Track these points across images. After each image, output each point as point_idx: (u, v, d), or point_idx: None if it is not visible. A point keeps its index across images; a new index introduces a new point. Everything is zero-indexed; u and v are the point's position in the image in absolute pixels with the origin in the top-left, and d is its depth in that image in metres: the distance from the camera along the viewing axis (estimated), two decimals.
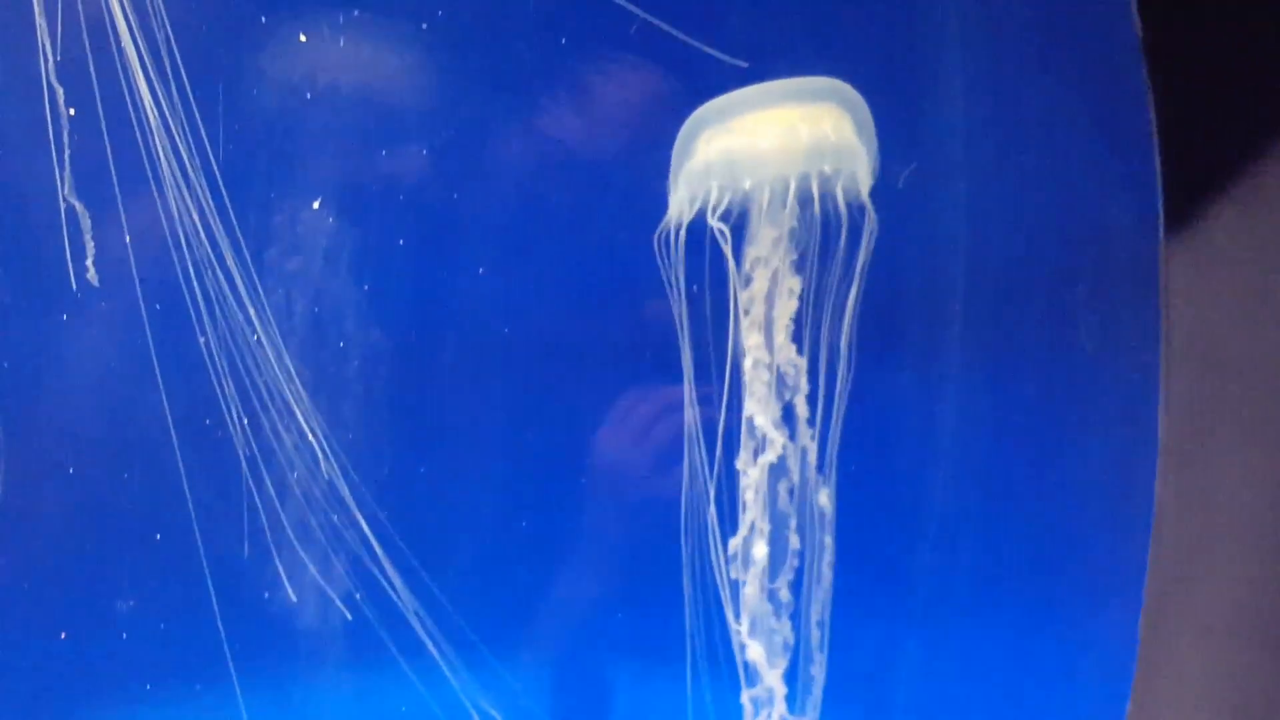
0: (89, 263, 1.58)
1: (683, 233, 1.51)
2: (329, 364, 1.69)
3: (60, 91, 1.53)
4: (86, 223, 1.58)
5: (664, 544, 1.60)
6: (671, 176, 1.53)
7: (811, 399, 1.53)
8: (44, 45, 1.53)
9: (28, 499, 1.64)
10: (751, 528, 1.54)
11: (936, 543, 1.76)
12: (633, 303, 1.70)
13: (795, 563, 1.56)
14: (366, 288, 1.70)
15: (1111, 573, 1.73)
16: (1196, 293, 1.62)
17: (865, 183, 1.49)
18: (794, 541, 1.56)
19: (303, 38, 1.60)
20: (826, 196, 1.49)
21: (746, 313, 1.52)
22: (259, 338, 1.63)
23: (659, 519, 1.63)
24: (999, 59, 1.69)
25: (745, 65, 1.47)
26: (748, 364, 1.53)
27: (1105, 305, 1.71)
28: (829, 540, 1.57)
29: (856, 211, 1.49)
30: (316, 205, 1.63)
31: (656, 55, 1.57)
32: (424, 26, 1.60)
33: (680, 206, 1.51)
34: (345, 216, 1.65)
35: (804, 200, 1.48)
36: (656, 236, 1.52)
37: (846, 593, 1.58)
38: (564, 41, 1.62)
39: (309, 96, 1.63)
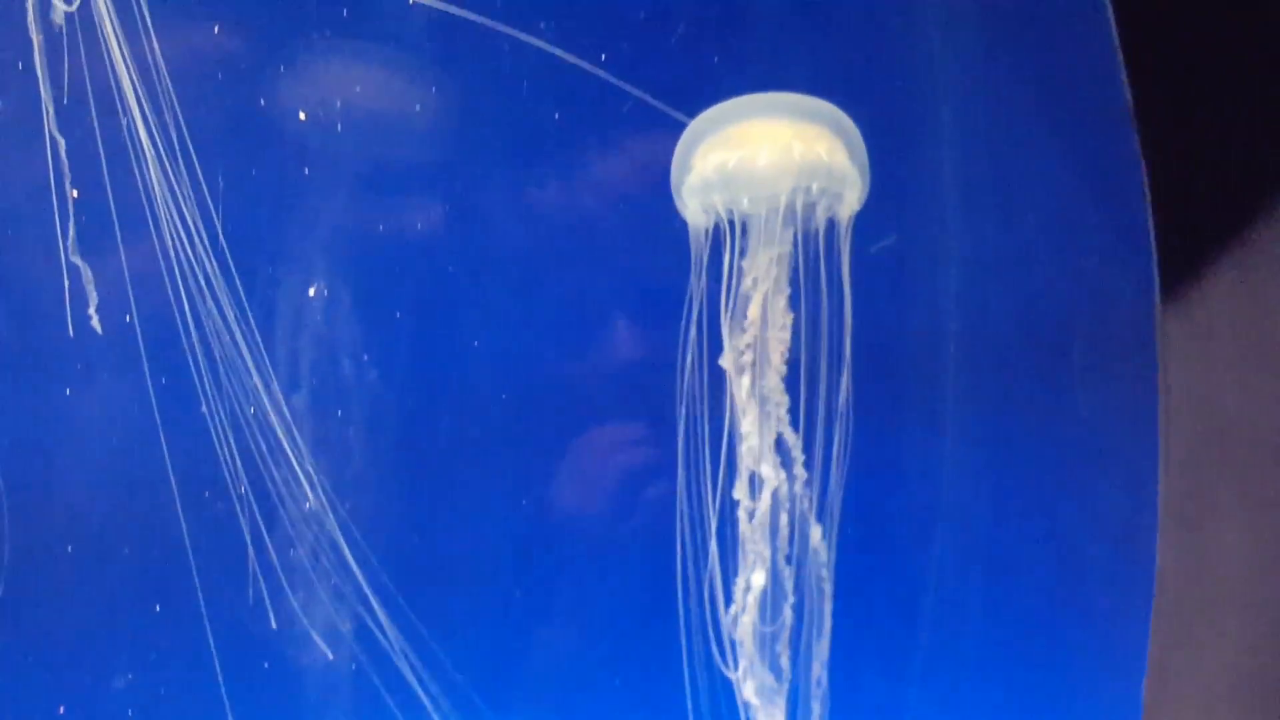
0: (91, 310, 1.59)
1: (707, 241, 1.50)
2: (330, 431, 1.70)
3: (72, 191, 1.54)
4: (89, 276, 1.59)
5: (661, 600, 1.61)
6: (674, 190, 1.53)
7: (809, 461, 1.53)
8: (49, 118, 1.54)
9: (31, 574, 1.65)
10: (747, 588, 1.54)
11: (937, 604, 1.76)
12: (627, 369, 1.71)
13: (793, 618, 1.57)
14: (366, 357, 1.71)
15: (1113, 634, 1.73)
16: (1193, 356, 1.62)
17: (851, 207, 1.49)
18: (790, 602, 1.56)
19: (302, 116, 1.62)
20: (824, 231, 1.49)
21: (741, 361, 1.51)
22: (254, 411, 1.64)
23: (654, 577, 1.64)
24: (996, 124, 1.71)
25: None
26: (746, 424, 1.53)
27: (1103, 367, 1.71)
28: (828, 592, 1.57)
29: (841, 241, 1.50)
30: (312, 292, 1.64)
31: (649, 129, 1.57)
32: (418, 108, 1.62)
33: (695, 217, 1.51)
34: (344, 290, 1.66)
35: (801, 228, 1.48)
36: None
37: (846, 650, 1.58)
38: (557, 116, 1.64)
39: (307, 172, 1.64)
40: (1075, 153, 1.66)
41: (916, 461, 1.76)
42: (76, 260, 1.60)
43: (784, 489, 1.54)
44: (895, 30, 1.66)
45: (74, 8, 1.51)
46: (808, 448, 1.54)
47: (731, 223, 1.49)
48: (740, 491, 1.54)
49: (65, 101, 1.53)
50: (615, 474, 1.74)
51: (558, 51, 1.58)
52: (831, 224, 1.50)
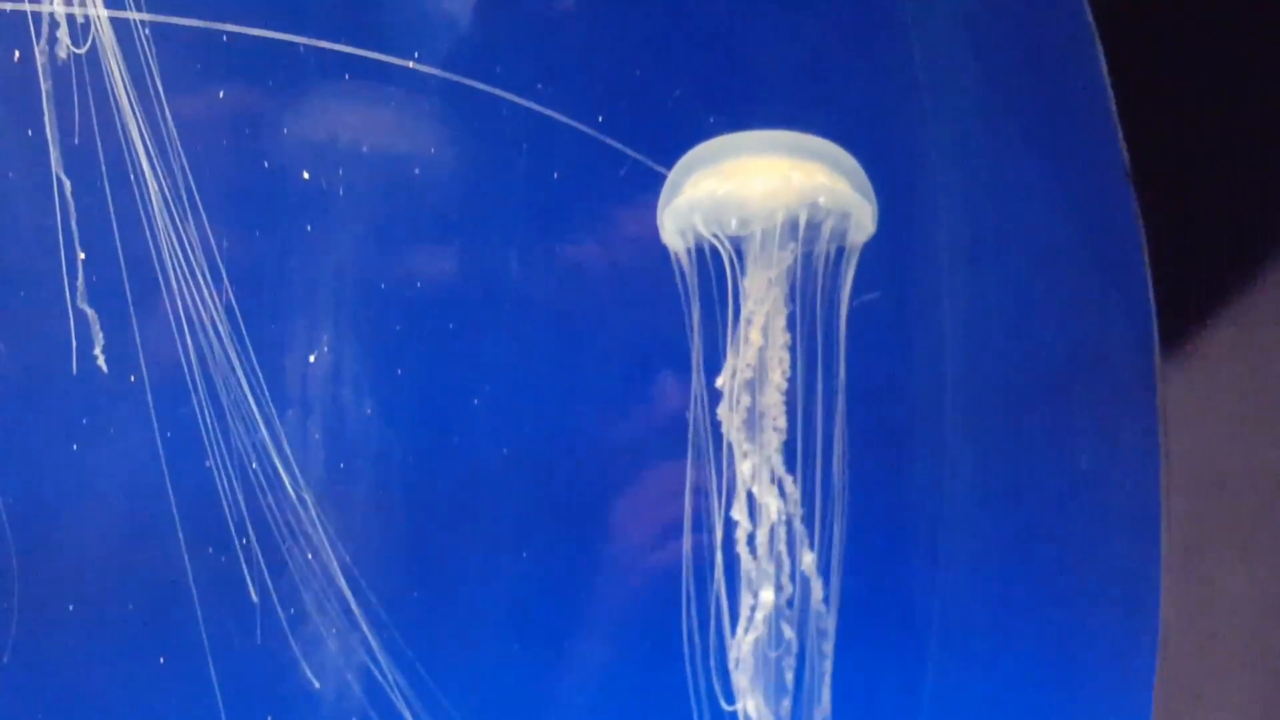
0: (97, 350, 1.60)
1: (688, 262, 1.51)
2: (334, 484, 1.71)
3: (81, 254, 1.56)
4: (97, 326, 1.60)
5: (666, 654, 1.61)
6: (659, 216, 1.53)
7: (807, 517, 1.53)
8: (55, 160, 1.56)
9: (38, 629, 1.66)
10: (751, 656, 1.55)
11: (938, 657, 1.76)
12: (630, 426, 1.72)
13: (794, 664, 1.57)
14: (369, 411, 1.72)
15: (1118, 687, 1.73)
16: (1193, 411, 1.63)
17: (865, 232, 1.49)
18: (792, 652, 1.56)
19: (305, 175, 1.63)
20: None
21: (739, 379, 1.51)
22: (255, 465, 1.65)
23: (659, 630, 1.64)
24: (995, 179, 1.72)
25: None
26: (744, 468, 1.54)
27: (1103, 419, 1.71)
28: (829, 652, 1.57)
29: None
30: (313, 358, 1.65)
31: (648, 189, 1.59)
32: (416, 171, 1.63)
33: (672, 240, 1.51)
34: (349, 344, 1.67)
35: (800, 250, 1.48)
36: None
37: (847, 701, 1.58)
38: (556, 176, 1.65)
39: (309, 229, 1.65)
40: (1074, 208, 1.67)
41: (913, 516, 1.76)
42: (84, 308, 1.61)
43: (782, 531, 1.54)
44: (896, 90, 1.67)
45: (84, 50, 1.52)
46: (806, 502, 1.54)
47: (734, 247, 1.48)
48: (739, 512, 1.54)
49: (76, 140, 1.54)
50: (623, 527, 1.75)
51: (553, 114, 1.59)
52: (838, 254, 1.50)
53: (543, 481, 1.77)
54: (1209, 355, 1.60)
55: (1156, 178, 1.55)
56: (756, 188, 1.43)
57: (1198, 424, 1.63)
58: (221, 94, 1.59)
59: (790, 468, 1.53)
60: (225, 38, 1.56)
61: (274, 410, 1.64)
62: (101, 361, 1.58)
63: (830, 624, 1.56)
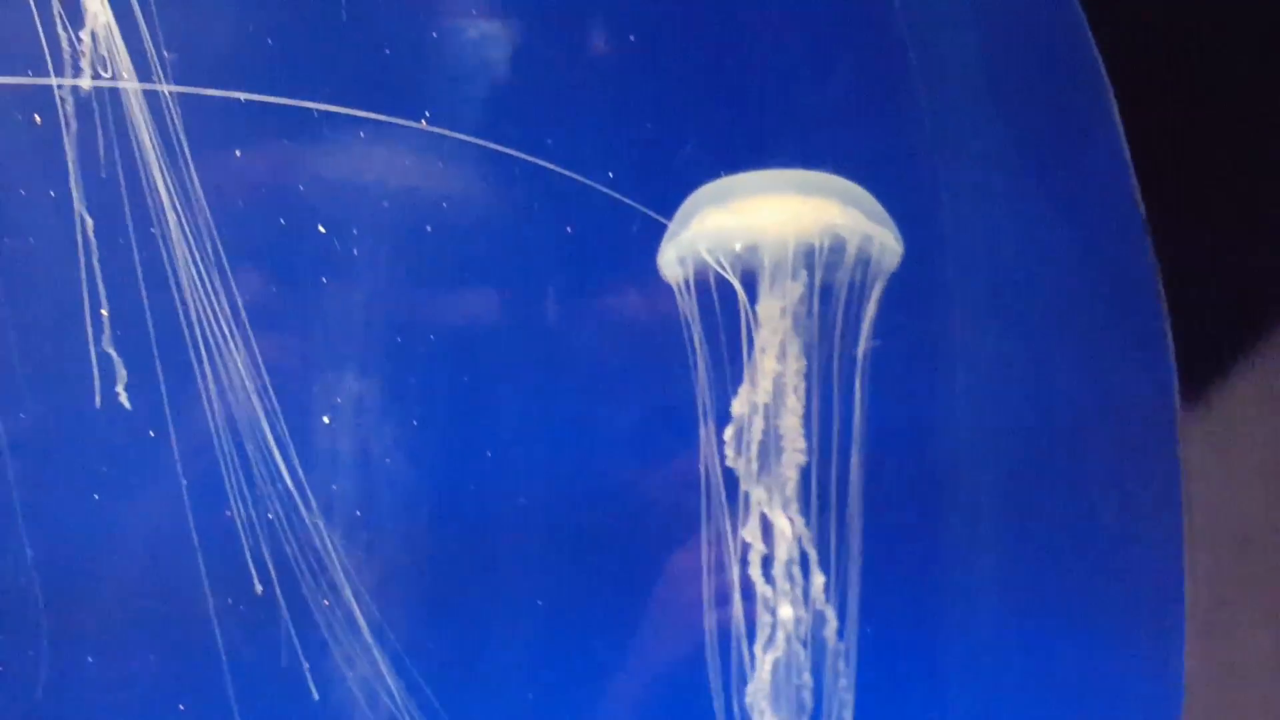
0: (119, 388, 1.62)
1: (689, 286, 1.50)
2: (354, 534, 1.73)
3: (106, 311, 1.59)
4: (120, 369, 1.63)
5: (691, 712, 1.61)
6: (660, 249, 1.54)
7: (823, 565, 1.53)
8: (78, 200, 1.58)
9: (67, 681, 1.69)
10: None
11: (958, 709, 1.74)
12: (647, 475, 1.72)
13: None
14: (387, 460, 1.74)
15: None
16: (1215, 466, 1.61)
17: (890, 263, 1.49)
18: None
19: (321, 229, 1.65)
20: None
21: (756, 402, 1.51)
22: (273, 515, 1.67)
23: (682, 679, 1.64)
24: (1014, 229, 1.70)
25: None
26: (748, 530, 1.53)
27: (1123, 476, 1.69)
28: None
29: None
30: (333, 407, 1.67)
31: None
32: (428, 228, 1.65)
33: (671, 269, 1.52)
34: (366, 397, 1.69)
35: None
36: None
37: None
38: (569, 230, 1.66)
39: (324, 280, 1.67)
40: (1093, 262, 1.65)
41: (932, 574, 1.74)
42: (109, 350, 1.64)
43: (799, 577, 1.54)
44: (911, 145, 1.66)
45: (106, 78, 1.54)
46: (822, 558, 1.53)
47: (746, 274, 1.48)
48: (755, 571, 1.54)
49: (100, 186, 1.57)
50: (641, 576, 1.75)
51: (563, 170, 1.60)
52: (858, 286, 1.49)
53: (559, 530, 1.78)
54: (1229, 409, 1.58)
55: (1174, 231, 1.54)
56: (766, 219, 1.43)
57: (1219, 479, 1.61)
58: (240, 152, 1.61)
59: (805, 511, 1.52)
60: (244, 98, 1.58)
61: (296, 460, 1.66)
62: (124, 399, 1.60)
63: (850, 673, 1.55)
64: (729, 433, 1.52)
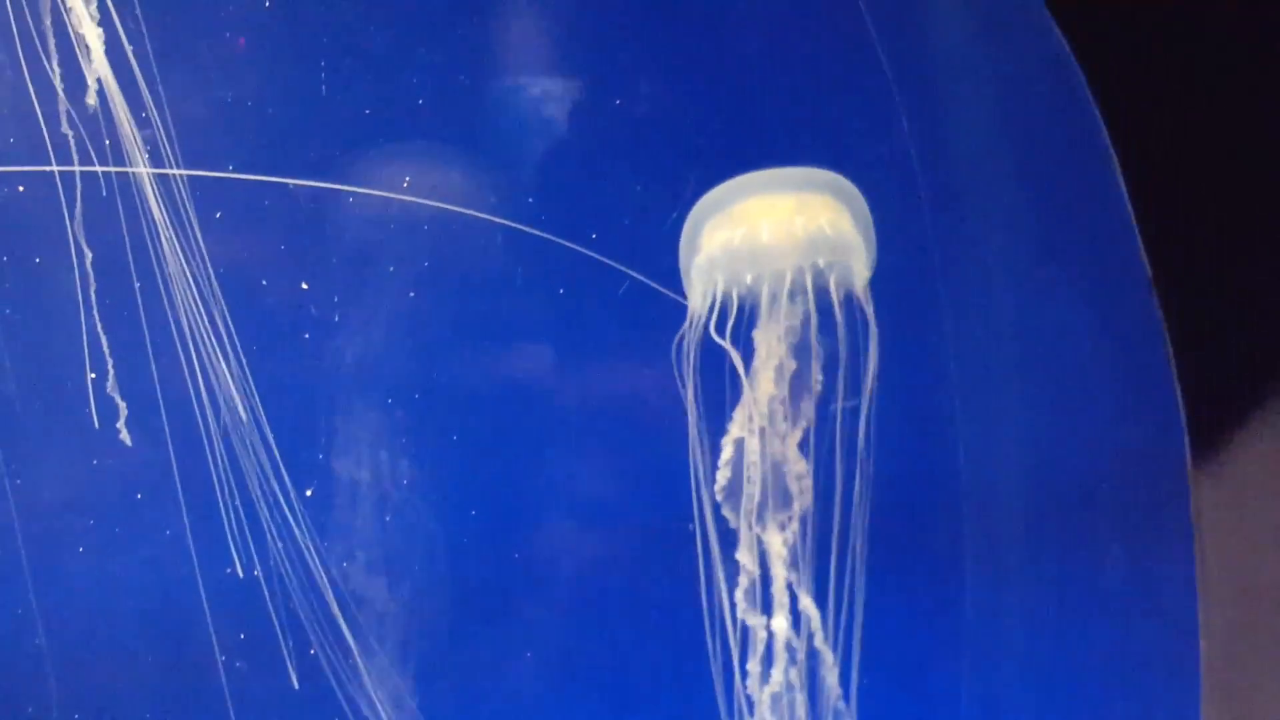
0: (120, 424, 1.61)
1: (700, 334, 1.50)
2: (359, 589, 1.73)
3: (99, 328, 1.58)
4: (124, 410, 1.62)
5: None
6: (682, 271, 1.54)
7: (825, 624, 1.52)
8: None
9: None
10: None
11: None
12: (644, 532, 1.73)
13: None
14: (388, 519, 1.73)
15: None
16: (1227, 523, 1.61)
17: (861, 276, 1.48)
18: None
19: (304, 285, 1.64)
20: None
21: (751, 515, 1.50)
22: (276, 564, 1.67)
23: None
24: (1022, 289, 1.71)
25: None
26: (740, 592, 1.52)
27: (1137, 531, 1.68)
28: None
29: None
30: (335, 467, 1.67)
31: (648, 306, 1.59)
32: (411, 294, 1.65)
33: (696, 302, 1.51)
34: (365, 458, 1.69)
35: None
36: (676, 342, 1.51)
37: None
38: (561, 291, 1.65)
39: (307, 337, 1.67)
40: (1101, 320, 1.67)
41: (943, 620, 1.73)
42: (114, 395, 1.64)
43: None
44: (916, 204, 1.66)
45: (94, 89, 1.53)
46: (821, 604, 1.52)
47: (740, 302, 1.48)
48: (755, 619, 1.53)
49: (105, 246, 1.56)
50: (641, 635, 1.75)
51: (547, 235, 1.59)
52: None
53: (556, 584, 1.78)
54: (1239, 466, 1.58)
55: (1180, 287, 1.53)
56: (764, 236, 1.44)
57: (1232, 533, 1.60)
58: (234, 216, 1.59)
59: (801, 562, 1.51)
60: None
61: (305, 518, 1.66)
62: (125, 436, 1.60)
63: None
64: (723, 460, 1.50)
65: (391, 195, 1.60)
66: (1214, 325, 1.53)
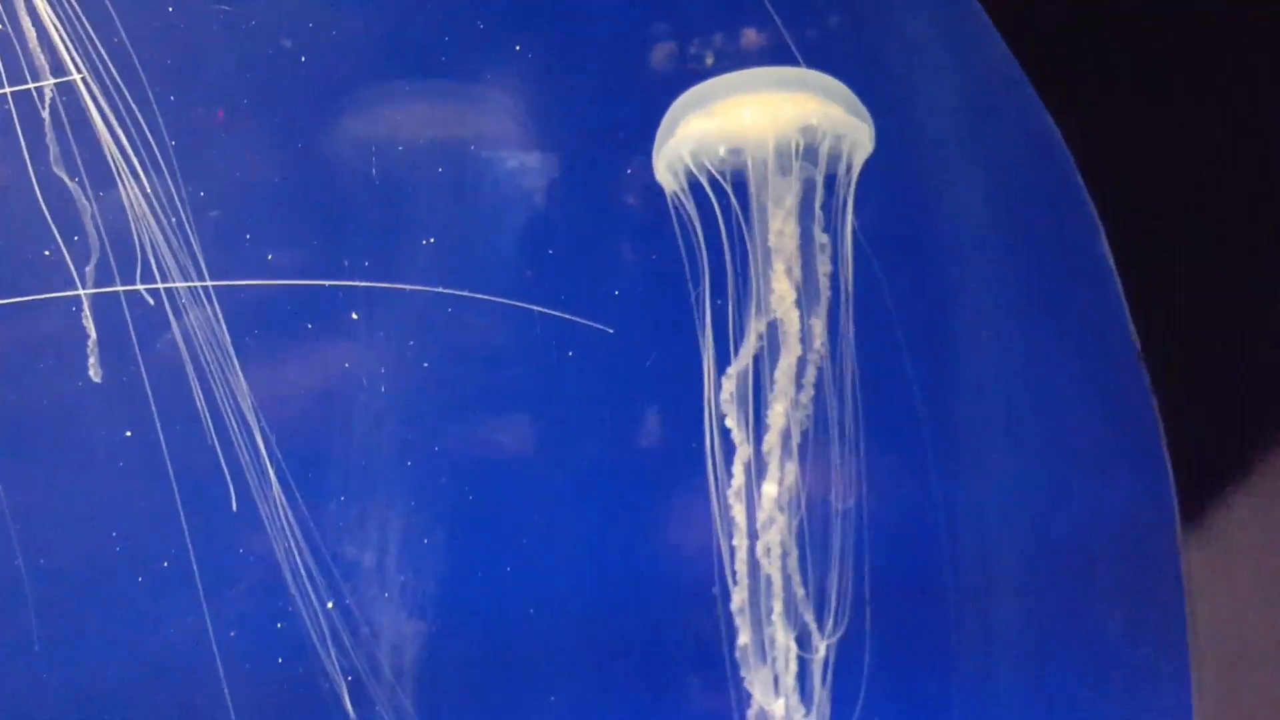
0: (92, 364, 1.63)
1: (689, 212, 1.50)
2: (371, 650, 1.75)
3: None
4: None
5: None
6: (654, 161, 1.54)
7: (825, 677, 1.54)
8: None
9: None
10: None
11: None
12: (657, 592, 1.75)
13: None
14: (402, 580, 1.75)
15: None
16: (1218, 584, 1.63)
17: (862, 153, 1.48)
18: None
19: (347, 365, 1.67)
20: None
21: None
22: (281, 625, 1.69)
23: None
24: (1013, 360, 1.73)
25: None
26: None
27: (1128, 595, 1.70)
28: None
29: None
30: (351, 532, 1.70)
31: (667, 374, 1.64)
32: (410, 343, 1.68)
33: (663, 176, 1.51)
34: (376, 517, 1.71)
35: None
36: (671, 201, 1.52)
37: None
38: (571, 354, 1.68)
39: (349, 418, 1.70)
40: (1091, 389, 1.69)
41: (940, 684, 1.74)
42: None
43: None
44: (911, 274, 1.70)
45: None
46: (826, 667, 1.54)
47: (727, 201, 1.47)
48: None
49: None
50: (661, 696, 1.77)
51: (554, 312, 1.63)
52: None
53: (573, 638, 1.79)
54: (1228, 528, 1.60)
55: (1168, 358, 1.56)
56: (747, 118, 1.43)
57: (1222, 594, 1.63)
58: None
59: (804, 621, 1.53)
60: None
61: (322, 587, 1.68)
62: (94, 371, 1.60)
63: None
64: (734, 369, 1.51)
65: (395, 286, 1.63)
66: (1201, 393, 1.56)
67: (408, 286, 1.66)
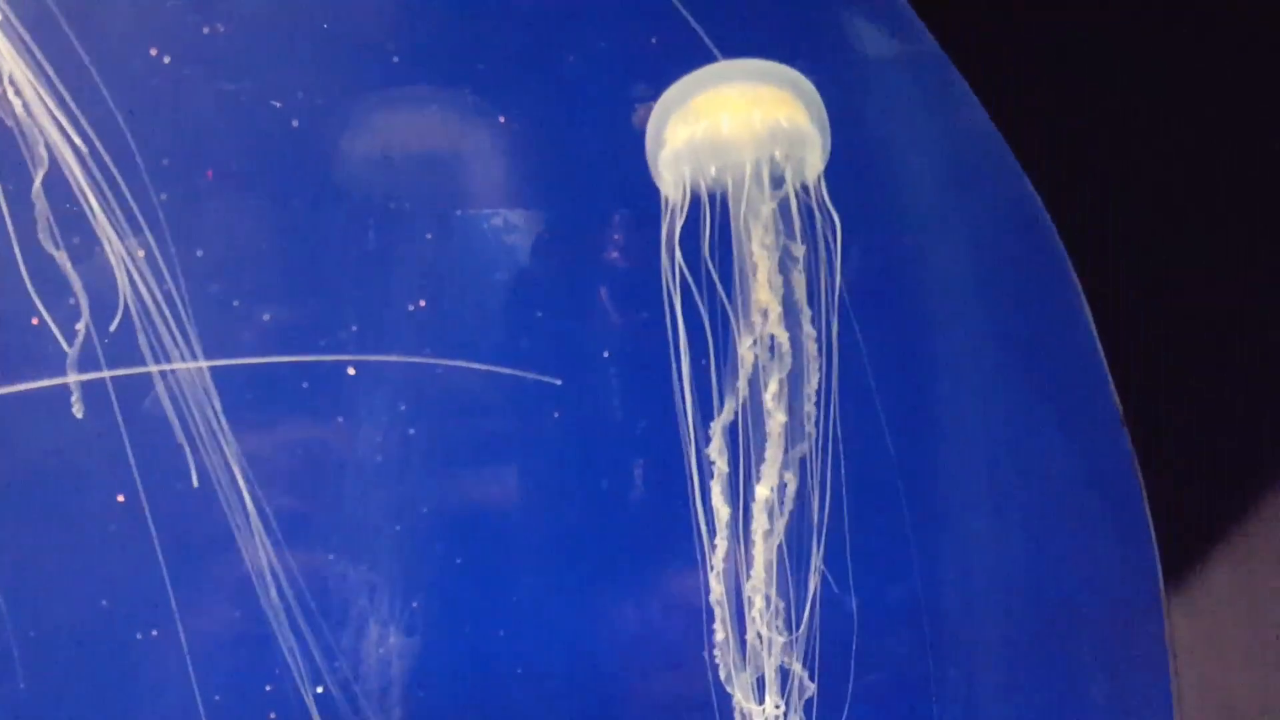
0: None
1: (683, 215, 1.50)
2: (357, 708, 1.75)
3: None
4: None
5: None
6: (650, 166, 1.55)
7: None
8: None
9: None
10: None
11: None
12: (649, 662, 1.76)
13: None
14: (392, 640, 1.76)
15: None
16: (1202, 651, 1.62)
17: (815, 167, 1.49)
18: None
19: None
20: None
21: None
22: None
23: None
24: (996, 426, 1.74)
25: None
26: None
27: (1112, 658, 1.70)
28: None
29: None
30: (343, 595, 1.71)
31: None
32: (412, 430, 1.69)
33: (668, 190, 1.52)
34: (371, 571, 1.72)
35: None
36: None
37: None
38: (556, 416, 1.69)
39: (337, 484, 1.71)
40: (1073, 453, 1.69)
41: None
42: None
43: None
44: (890, 339, 1.70)
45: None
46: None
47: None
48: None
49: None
50: None
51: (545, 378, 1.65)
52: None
53: (563, 701, 1.79)
54: (1212, 589, 1.60)
55: (1151, 423, 1.56)
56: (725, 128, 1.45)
57: (1207, 656, 1.63)
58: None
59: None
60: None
61: (312, 645, 1.69)
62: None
63: None
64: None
65: (385, 359, 1.65)
66: (1183, 457, 1.57)
67: (374, 357, 1.67)
